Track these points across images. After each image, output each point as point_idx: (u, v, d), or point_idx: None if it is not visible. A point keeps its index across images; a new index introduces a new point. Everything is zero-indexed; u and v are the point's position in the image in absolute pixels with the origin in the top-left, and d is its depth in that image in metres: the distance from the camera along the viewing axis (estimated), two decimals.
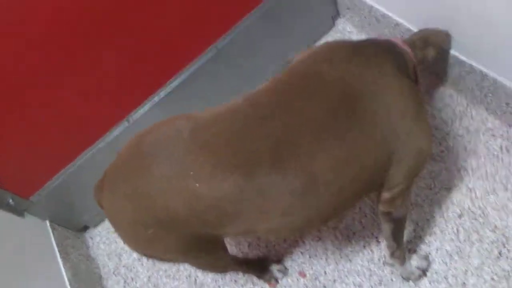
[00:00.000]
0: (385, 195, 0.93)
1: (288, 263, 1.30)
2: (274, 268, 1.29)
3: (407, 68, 0.96)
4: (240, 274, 1.35)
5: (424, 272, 1.15)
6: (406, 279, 1.16)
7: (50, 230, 1.47)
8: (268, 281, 1.30)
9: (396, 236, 1.06)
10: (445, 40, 1.19)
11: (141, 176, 0.83)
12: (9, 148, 1.27)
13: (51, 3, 1.05)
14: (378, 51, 0.90)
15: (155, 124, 0.90)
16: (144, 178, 0.83)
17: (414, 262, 1.14)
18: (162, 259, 1.00)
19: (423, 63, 1.09)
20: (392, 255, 1.10)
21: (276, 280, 1.29)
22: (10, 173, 1.31)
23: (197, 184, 0.78)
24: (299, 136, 0.78)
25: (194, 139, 0.81)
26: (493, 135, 1.24)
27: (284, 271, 1.30)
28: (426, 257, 1.16)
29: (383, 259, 1.20)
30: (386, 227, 1.04)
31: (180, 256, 0.97)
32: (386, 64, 0.86)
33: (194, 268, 1.41)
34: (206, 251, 0.97)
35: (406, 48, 1.00)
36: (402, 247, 1.09)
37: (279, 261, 1.32)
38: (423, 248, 1.18)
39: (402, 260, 1.12)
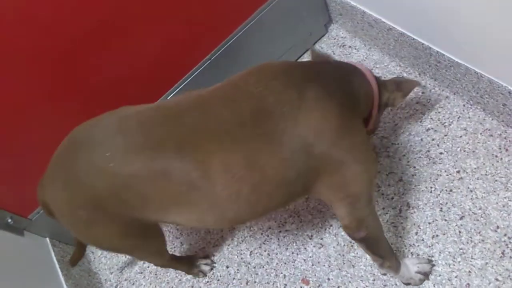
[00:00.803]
0: (342, 221, 0.98)
1: (290, 270, 1.30)
2: (201, 262, 1.40)
3: (356, 98, 0.97)
4: (243, 283, 1.34)
5: (426, 275, 1.14)
6: (406, 284, 1.16)
7: (51, 247, 1.46)
8: (196, 275, 1.41)
9: (376, 251, 1.06)
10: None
11: (72, 161, 0.92)
12: (6, 168, 1.26)
13: None
14: (311, 75, 0.93)
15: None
16: (74, 163, 0.92)
17: (415, 267, 1.13)
18: (105, 247, 1.13)
19: (387, 105, 1.12)
20: (381, 266, 1.09)
21: (204, 274, 1.40)
22: (8, 193, 1.31)
23: (111, 164, 0.87)
24: (204, 134, 0.86)
25: (119, 126, 0.91)
26: (491, 135, 1.24)
27: (211, 265, 1.41)
28: (429, 261, 1.15)
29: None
30: (361, 246, 1.06)
31: (118, 241, 1.04)
32: (312, 88, 0.88)
33: (196, 279, 1.41)
34: (140, 236, 1.04)
35: (372, 81, 1.03)
36: (390, 257, 1.08)
37: (206, 256, 1.43)
38: (426, 251, 1.18)
39: (395, 269, 1.11)
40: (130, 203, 0.91)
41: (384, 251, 1.07)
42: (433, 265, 1.16)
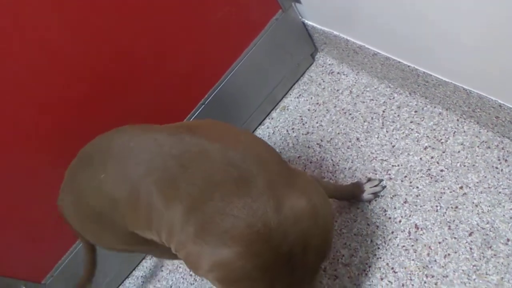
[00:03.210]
0: None
1: None
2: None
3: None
4: None
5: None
6: None
7: None
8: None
9: None
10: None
11: (78, 176, 1.04)
12: (15, 236, 1.27)
13: None
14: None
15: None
16: (80, 178, 1.03)
17: None
18: (121, 251, 1.22)
19: None
20: None
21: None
22: (20, 261, 1.31)
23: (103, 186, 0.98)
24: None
25: (112, 147, 1.00)
26: (489, 147, 1.25)
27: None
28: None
29: None
30: None
31: (130, 248, 1.14)
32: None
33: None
34: (148, 244, 1.05)
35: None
36: None
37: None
38: (440, 272, 1.17)
39: None
40: (120, 220, 0.99)
41: None
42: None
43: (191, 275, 1.53)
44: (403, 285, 1.20)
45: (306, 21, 1.54)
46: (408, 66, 1.28)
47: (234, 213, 0.82)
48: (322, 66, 1.65)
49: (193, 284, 1.51)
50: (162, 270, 1.60)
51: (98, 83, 1.20)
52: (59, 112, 1.17)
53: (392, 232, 1.27)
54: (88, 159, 1.04)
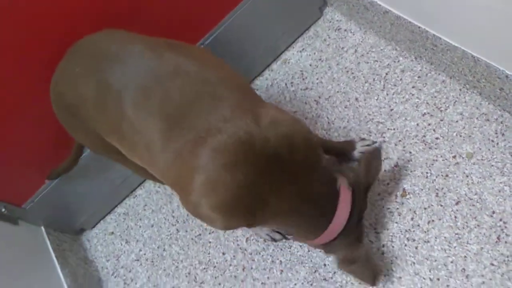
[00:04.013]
0: None
1: (287, 256, 1.30)
2: None
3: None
4: (240, 270, 1.34)
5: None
6: None
7: (46, 236, 1.45)
8: None
9: None
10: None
11: (61, 66, 1.05)
12: None
13: None
14: None
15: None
16: (62, 68, 1.05)
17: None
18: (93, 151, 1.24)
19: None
20: None
21: None
22: (1, 182, 1.29)
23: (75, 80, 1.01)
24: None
25: (94, 47, 1.02)
26: (488, 120, 1.23)
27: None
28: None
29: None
30: None
31: (99, 149, 1.16)
32: None
33: (193, 265, 1.41)
34: (113, 150, 1.06)
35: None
36: None
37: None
38: (422, 237, 1.18)
39: None
40: (86, 118, 1.01)
41: None
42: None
43: (173, 216, 1.53)
44: (383, 245, 1.21)
45: None
46: (419, 27, 1.24)
47: (215, 125, 0.85)
48: (330, 22, 1.60)
49: (175, 225, 1.51)
50: (145, 210, 1.59)
51: (95, 13, 1.14)
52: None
53: (379, 194, 1.27)
54: (71, 54, 1.05)
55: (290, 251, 1.31)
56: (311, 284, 1.24)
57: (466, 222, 1.16)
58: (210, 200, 0.86)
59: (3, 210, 1.31)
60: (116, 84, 0.92)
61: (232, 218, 0.90)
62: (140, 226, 1.57)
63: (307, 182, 0.93)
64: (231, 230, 1.41)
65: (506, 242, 1.10)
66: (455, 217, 1.17)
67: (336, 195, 1.00)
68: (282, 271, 1.30)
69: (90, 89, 0.96)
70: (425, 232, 1.18)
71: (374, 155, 1.11)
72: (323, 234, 0.99)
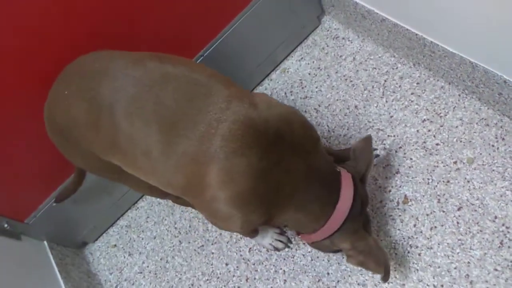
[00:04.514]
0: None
1: (290, 266, 1.30)
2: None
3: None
4: (243, 280, 1.34)
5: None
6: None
7: (49, 250, 1.45)
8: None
9: None
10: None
11: (53, 90, 1.05)
12: (0, 173, 1.25)
13: None
14: None
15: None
16: (53, 92, 1.05)
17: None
18: (90, 171, 1.21)
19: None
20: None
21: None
22: (3, 198, 1.29)
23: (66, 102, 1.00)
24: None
25: (82, 68, 1.02)
26: (488, 125, 1.23)
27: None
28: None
29: None
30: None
31: (96, 171, 1.16)
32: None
33: (196, 276, 1.41)
34: (110, 171, 1.08)
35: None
36: None
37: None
38: (425, 243, 1.18)
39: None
40: (80, 140, 1.01)
41: None
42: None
43: (175, 227, 1.53)
44: None
45: None
46: (416, 34, 1.25)
47: (215, 118, 0.87)
48: (328, 30, 1.61)
49: (177, 236, 1.51)
50: (147, 221, 1.59)
51: (94, 32, 1.15)
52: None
53: (381, 201, 1.27)
54: (60, 78, 1.05)
55: (293, 260, 1.30)
56: None
57: (469, 228, 1.15)
58: (227, 192, 0.87)
59: (6, 225, 1.31)
60: (106, 100, 0.93)
61: (250, 213, 0.91)
62: (142, 238, 1.57)
63: (312, 160, 0.95)
64: (234, 241, 1.41)
65: (509, 247, 1.10)
66: (458, 223, 1.17)
67: (338, 176, 1.02)
68: (285, 280, 1.29)
69: (81, 109, 0.96)
70: (428, 238, 1.18)
71: (365, 144, 1.14)
72: (330, 219, 0.99)
